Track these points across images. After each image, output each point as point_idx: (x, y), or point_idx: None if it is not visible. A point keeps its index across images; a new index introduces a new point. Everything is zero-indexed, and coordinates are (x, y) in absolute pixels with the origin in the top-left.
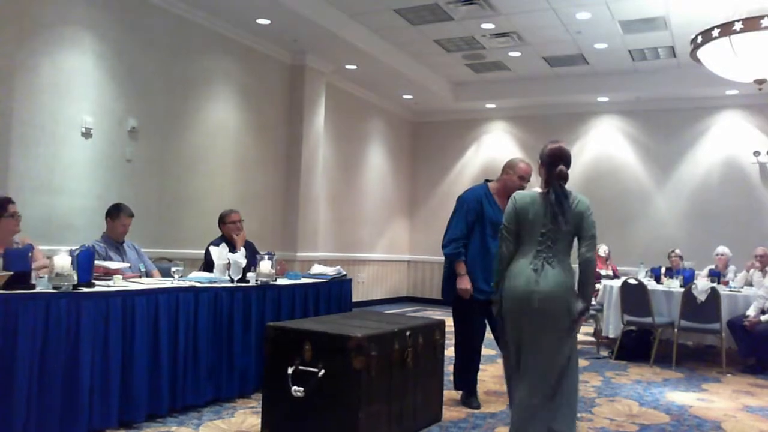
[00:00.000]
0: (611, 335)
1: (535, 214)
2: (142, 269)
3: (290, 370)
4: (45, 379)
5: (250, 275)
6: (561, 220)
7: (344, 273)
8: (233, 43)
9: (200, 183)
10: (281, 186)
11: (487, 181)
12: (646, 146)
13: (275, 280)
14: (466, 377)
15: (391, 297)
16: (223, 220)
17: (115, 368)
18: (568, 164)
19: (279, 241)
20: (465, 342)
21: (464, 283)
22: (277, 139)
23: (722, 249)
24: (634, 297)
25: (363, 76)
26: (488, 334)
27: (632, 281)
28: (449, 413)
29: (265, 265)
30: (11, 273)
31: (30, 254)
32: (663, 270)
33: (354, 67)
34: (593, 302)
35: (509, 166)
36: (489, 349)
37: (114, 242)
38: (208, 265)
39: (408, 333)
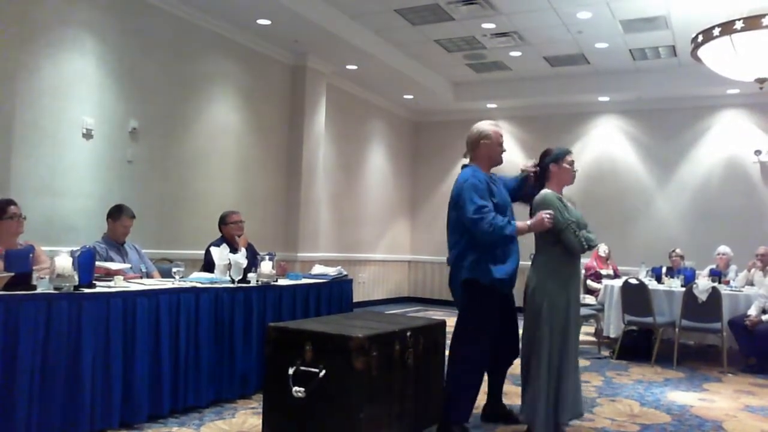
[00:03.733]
0: (612, 335)
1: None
2: (143, 270)
3: (291, 371)
4: (46, 380)
5: (251, 276)
6: None
7: (345, 273)
8: (234, 44)
9: (201, 184)
10: (282, 186)
11: (465, 166)
12: (647, 146)
13: (276, 281)
14: (467, 405)
15: (392, 297)
16: (223, 221)
17: (116, 369)
18: None
19: (280, 241)
20: (476, 358)
21: (540, 217)
22: (278, 139)
23: (723, 248)
24: (635, 297)
25: (364, 76)
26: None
27: (633, 281)
28: None
29: (266, 266)
30: (12, 274)
31: (31, 255)
32: (664, 269)
33: (355, 67)
34: (594, 302)
35: (484, 136)
36: None
37: (115, 243)
38: (208, 265)
39: (409, 333)
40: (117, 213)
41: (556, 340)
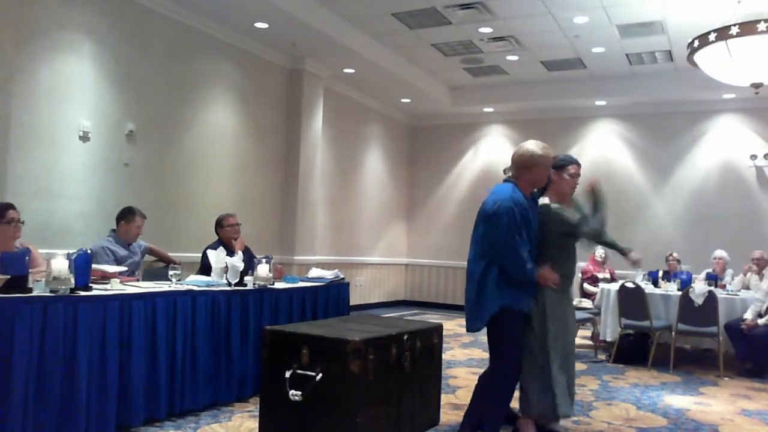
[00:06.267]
0: (609, 339)
1: None
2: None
3: (288, 374)
4: (42, 384)
5: (247, 279)
6: None
7: (342, 276)
8: (231, 48)
9: (198, 187)
10: (279, 190)
11: (508, 180)
12: (644, 150)
13: (273, 284)
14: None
15: (388, 300)
16: (220, 224)
17: (112, 372)
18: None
19: (277, 244)
20: (514, 377)
21: (549, 274)
22: (276, 143)
23: (719, 252)
24: (631, 300)
25: (361, 80)
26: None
27: (630, 285)
28: (446, 417)
29: (262, 269)
30: (8, 277)
31: (27, 258)
32: (660, 273)
33: (352, 71)
34: (590, 305)
35: (538, 163)
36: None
37: (124, 243)
38: (205, 268)
39: (406, 337)
40: (130, 215)
41: (559, 342)
